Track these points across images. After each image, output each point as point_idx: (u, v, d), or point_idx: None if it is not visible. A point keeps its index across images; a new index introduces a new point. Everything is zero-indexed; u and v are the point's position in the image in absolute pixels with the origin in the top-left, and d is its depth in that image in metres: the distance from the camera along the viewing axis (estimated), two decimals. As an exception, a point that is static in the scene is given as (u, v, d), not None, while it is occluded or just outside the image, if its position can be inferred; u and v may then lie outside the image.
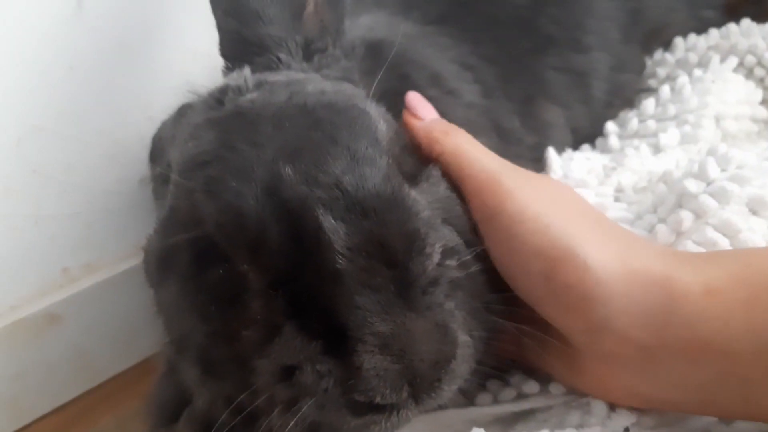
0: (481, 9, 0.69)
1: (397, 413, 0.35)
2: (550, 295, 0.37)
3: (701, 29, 0.78)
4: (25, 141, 0.60)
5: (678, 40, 0.78)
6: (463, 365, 0.36)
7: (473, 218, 0.42)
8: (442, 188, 0.43)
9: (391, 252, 0.34)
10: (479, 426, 0.39)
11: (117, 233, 0.68)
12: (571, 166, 0.51)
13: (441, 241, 0.37)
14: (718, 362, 0.33)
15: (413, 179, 0.41)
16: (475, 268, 0.39)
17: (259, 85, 0.45)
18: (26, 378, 0.63)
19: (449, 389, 0.35)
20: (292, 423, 0.35)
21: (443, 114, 0.55)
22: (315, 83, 0.46)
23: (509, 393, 0.44)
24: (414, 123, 0.48)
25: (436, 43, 0.65)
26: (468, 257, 0.39)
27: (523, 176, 0.42)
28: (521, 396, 0.44)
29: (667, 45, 0.80)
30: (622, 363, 0.36)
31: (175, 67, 0.70)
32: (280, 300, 0.35)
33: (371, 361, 0.32)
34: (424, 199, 0.40)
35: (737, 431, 0.38)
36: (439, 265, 0.36)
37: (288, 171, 0.36)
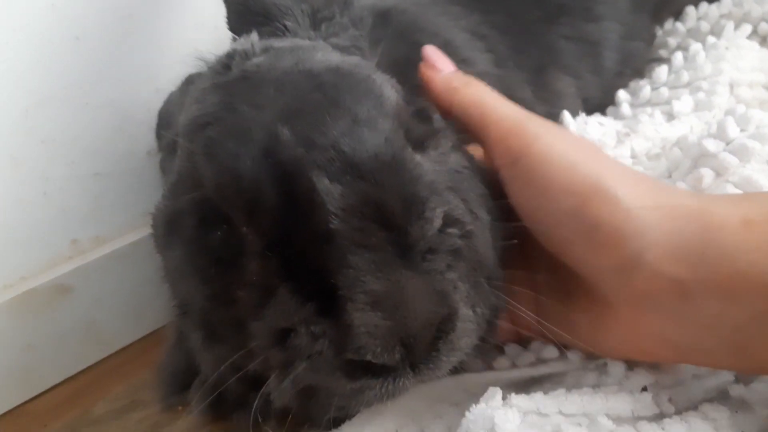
0: None
1: (393, 380, 0.33)
2: (580, 232, 0.36)
3: (713, -2, 0.77)
4: (33, 112, 0.60)
5: (690, 9, 0.77)
6: (464, 339, 0.35)
7: (495, 165, 0.42)
8: (452, 158, 0.42)
9: (388, 214, 0.33)
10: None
11: (125, 205, 0.68)
12: (587, 129, 0.50)
13: (443, 206, 0.36)
14: (755, 298, 0.31)
15: (421, 146, 0.40)
16: (478, 238, 0.38)
17: (265, 50, 0.45)
18: (37, 349, 0.63)
19: (448, 361, 0.34)
20: (285, 383, 0.34)
21: None
22: (323, 51, 0.45)
23: (528, 357, 0.44)
24: (432, 74, 0.48)
25: (447, 11, 0.64)
26: (471, 227, 0.37)
27: (549, 123, 0.42)
28: (540, 361, 0.44)
29: (678, 15, 0.79)
30: (654, 304, 0.35)
31: (182, 39, 0.69)
32: (275, 262, 0.34)
33: (361, 318, 0.31)
34: (430, 166, 0.39)
35: (754, 392, 0.37)
36: (440, 231, 0.35)
37: (285, 132, 0.35)
